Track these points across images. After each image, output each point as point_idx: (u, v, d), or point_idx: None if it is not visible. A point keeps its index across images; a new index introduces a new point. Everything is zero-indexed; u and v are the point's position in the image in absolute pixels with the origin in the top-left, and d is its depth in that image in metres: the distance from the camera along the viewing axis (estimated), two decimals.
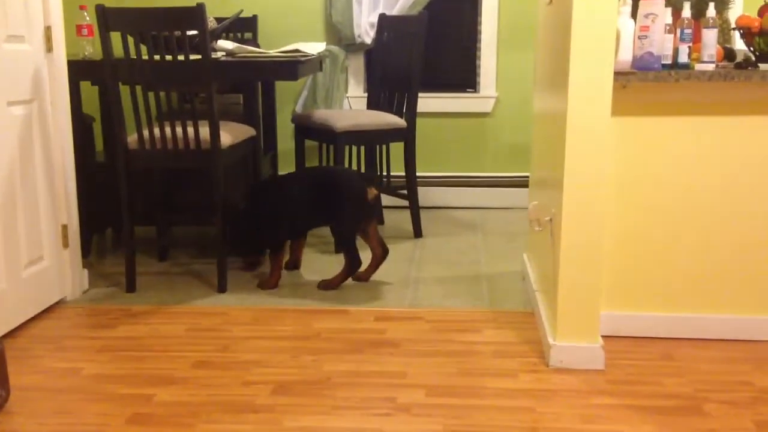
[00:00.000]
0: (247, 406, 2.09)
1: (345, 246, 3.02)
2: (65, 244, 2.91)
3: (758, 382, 2.22)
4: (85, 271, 3.04)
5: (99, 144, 3.85)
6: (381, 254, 3.10)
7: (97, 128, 3.79)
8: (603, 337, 2.36)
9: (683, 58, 2.37)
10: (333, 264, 3.33)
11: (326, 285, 3.02)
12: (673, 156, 2.42)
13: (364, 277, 3.10)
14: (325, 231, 3.85)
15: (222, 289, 3.00)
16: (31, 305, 2.71)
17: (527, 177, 3.35)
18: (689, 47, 2.37)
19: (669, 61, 2.39)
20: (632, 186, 2.44)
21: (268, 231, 3.04)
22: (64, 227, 2.90)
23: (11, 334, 2.59)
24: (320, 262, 3.36)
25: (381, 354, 2.42)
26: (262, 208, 3.04)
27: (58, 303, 2.87)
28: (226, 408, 2.07)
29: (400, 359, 2.38)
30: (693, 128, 2.40)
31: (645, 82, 2.30)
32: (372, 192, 3.00)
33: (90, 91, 3.75)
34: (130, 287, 3.01)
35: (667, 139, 2.41)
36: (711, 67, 2.35)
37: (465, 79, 4.41)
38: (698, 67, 2.36)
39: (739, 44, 2.70)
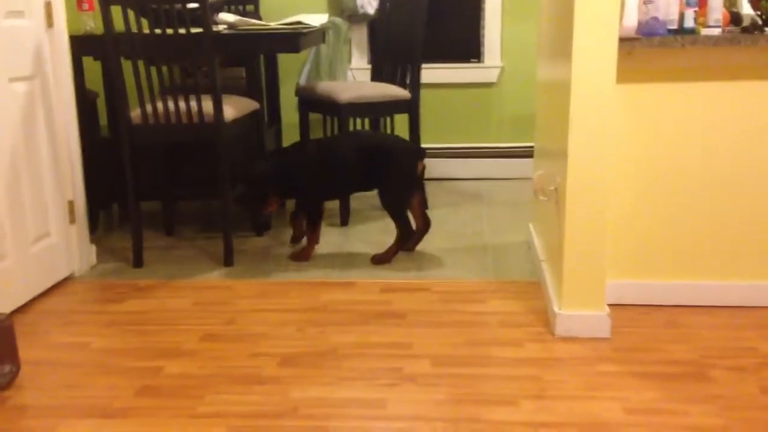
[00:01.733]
0: (254, 377, 2.10)
1: (396, 216, 3.02)
2: (72, 220, 2.92)
3: (763, 348, 2.22)
4: (93, 247, 3.06)
5: (103, 119, 3.85)
6: (424, 226, 3.13)
7: (101, 104, 3.78)
8: (609, 305, 2.37)
9: (689, 22, 2.33)
10: (340, 236, 3.34)
11: (380, 259, 3.02)
12: (680, 122, 2.40)
13: (411, 248, 3.13)
14: (332, 204, 3.86)
15: (228, 262, 3.01)
16: (40, 281, 2.73)
17: (532, 147, 3.33)
18: (695, 12, 2.33)
19: (675, 26, 2.35)
20: (638, 154, 2.43)
21: (310, 190, 3.03)
22: (71, 203, 2.91)
23: (20, 309, 2.61)
24: (327, 234, 3.36)
25: (387, 325, 2.43)
26: (311, 167, 3.02)
27: (66, 278, 2.89)
28: (233, 380, 2.09)
29: (405, 330, 2.39)
30: (699, 94, 2.37)
31: (650, 48, 2.28)
32: (421, 165, 3.04)
33: (93, 66, 3.73)
34: (137, 262, 3.03)
35: (673, 105, 2.39)
36: (717, 31, 2.32)
37: (469, 49, 4.37)
38: (704, 31, 2.33)
39: (746, 8, 2.66)
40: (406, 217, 3.03)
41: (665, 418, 1.87)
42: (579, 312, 2.30)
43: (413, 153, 3.05)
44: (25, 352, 2.28)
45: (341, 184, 3.09)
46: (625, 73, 2.35)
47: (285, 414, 1.91)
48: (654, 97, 2.38)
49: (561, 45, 2.37)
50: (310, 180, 3.02)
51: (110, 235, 3.46)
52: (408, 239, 3.06)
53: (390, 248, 3.04)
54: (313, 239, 3.09)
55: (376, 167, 2.99)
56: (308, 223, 3.08)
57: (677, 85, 2.37)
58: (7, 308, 2.53)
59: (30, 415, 1.93)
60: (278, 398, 1.99)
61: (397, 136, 3.24)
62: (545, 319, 2.44)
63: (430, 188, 4.11)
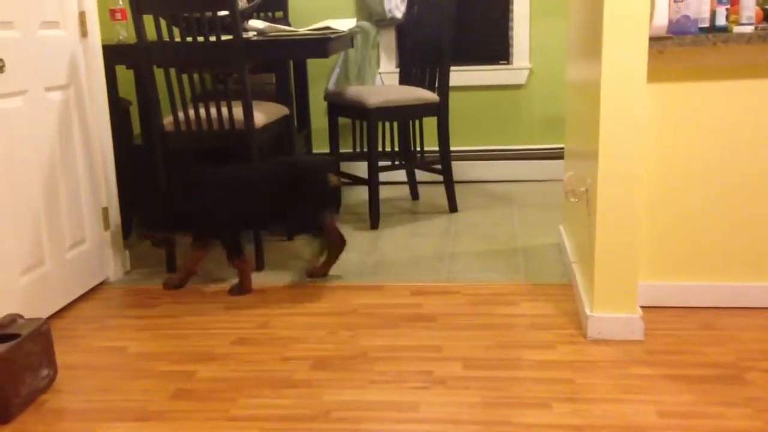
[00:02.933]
0: (286, 381, 2.12)
1: (319, 230, 2.88)
2: (106, 226, 2.97)
3: None
4: (126, 252, 3.10)
5: (137, 127, 3.90)
6: (340, 243, 2.91)
7: (134, 112, 3.84)
8: (642, 307, 2.34)
9: (721, 20, 2.30)
10: (370, 240, 3.35)
11: (313, 273, 2.91)
12: (712, 122, 2.37)
13: (322, 272, 2.92)
14: (362, 208, 3.87)
15: (259, 267, 3.04)
16: (76, 286, 2.78)
17: (562, 149, 3.31)
18: (727, 9, 2.30)
19: (706, 25, 2.33)
20: (669, 154, 2.40)
21: (223, 222, 2.83)
22: (105, 210, 2.96)
23: (57, 315, 2.66)
24: (356, 237, 3.38)
25: (417, 328, 2.43)
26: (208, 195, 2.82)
27: (101, 284, 2.94)
28: (266, 383, 2.11)
29: (436, 333, 2.39)
30: (732, 93, 2.34)
31: (682, 46, 2.25)
32: (334, 178, 2.82)
33: (126, 75, 3.80)
34: (171, 267, 3.07)
35: (705, 105, 2.36)
36: (750, 29, 2.28)
37: (497, 51, 4.36)
38: (736, 29, 2.29)
39: None
40: (326, 227, 2.85)
41: (701, 421, 1.84)
42: (611, 314, 2.28)
43: (322, 167, 2.83)
44: (62, 356, 2.33)
45: (244, 212, 2.85)
46: (656, 73, 2.32)
47: (317, 417, 1.92)
48: (686, 97, 2.35)
49: (590, 45, 2.35)
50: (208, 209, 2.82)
51: (143, 241, 3.50)
52: (340, 246, 2.89)
53: (325, 262, 2.91)
54: (244, 268, 2.84)
55: (287, 189, 2.79)
56: (234, 257, 2.82)
57: (709, 84, 2.34)
58: (45, 313, 2.58)
59: (67, 419, 1.97)
60: (310, 401, 2.00)
61: (307, 154, 3.02)
62: (577, 321, 2.42)
63: (459, 190, 4.10)
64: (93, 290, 2.88)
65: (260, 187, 2.81)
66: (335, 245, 2.91)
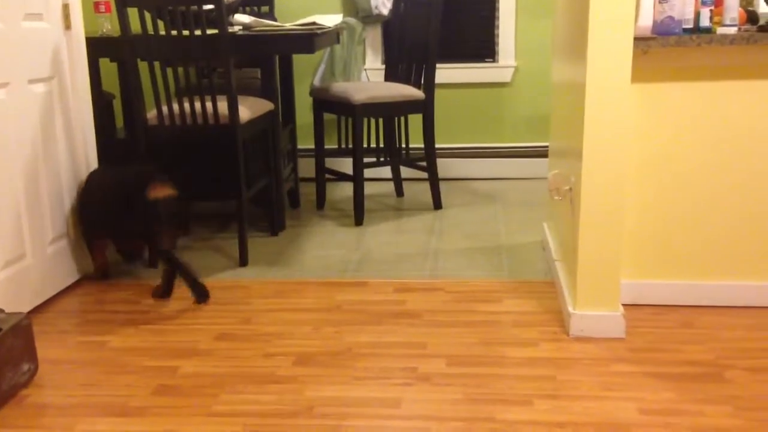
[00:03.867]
0: (269, 377, 2.11)
1: (160, 256, 2.69)
2: None
3: None
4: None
5: (119, 121, 3.88)
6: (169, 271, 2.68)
7: (117, 105, 3.82)
8: (624, 305, 2.36)
9: (705, 21, 2.32)
10: (355, 236, 3.35)
11: (156, 293, 2.73)
12: (696, 122, 2.39)
13: (165, 293, 2.71)
14: (346, 204, 3.87)
15: (243, 262, 3.03)
16: (57, 281, 2.76)
17: (547, 147, 3.33)
18: (711, 11, 2.32)
19: (690, 26, 2.34)
20: (653, 154, 2.42)
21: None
22: None
23: (38, 309, 2.64)
24: (341, 233, 3.38)
25: (401, 325, 2.43)
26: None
27: (82, 278, 2.92)
28: (249, 379, 2.10)
29: (420, 330, 2.39)
30: (716, 93, 2.36)
31: (666, 47, 2.27)
32: (158, 191, 2.59)
33: (109, 68, 3.77)
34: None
35: (689, 105, 2.38)
36: (733, 30, 2.31)
37: (483, 49, 4.37)
38: (720, 30, 2.32)
39: (762, 7, 2.64)
40: (166, 246, 2.65)
41: (681, 418, 1.86)
42: (593, 312, 2.30)
43: (143, 180, 2.61)
44: (43, 351, 2.31)
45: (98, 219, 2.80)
46: (641, 73, 2.34)
47: (300, 413, 1.92)
48: (670, 97, 2.37)
49: (576, 44, 2.36)
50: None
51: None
52: (175, 272, 2.67)
53: (162, 284, 2.71)
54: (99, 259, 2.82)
55: (115, 205, 2.71)
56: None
57: (693, 84, 2.36)
58: (25, 307, 2.56)
59: (48, 414, 1.95)
60: (294, 397, 2.00)
61: (140, 165, 2.79)
62: (560, 319, 2.44)
63: (444, 188, 4.11)
64: (74, 285, 2.86)
65: (104, 194, 2.75)
66: (167, 270, 2.68)
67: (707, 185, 2.43)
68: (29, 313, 2.57)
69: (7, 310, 2.31)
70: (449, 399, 1.97)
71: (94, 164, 2.96)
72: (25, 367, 2.09)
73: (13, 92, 2.51)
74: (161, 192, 2.62)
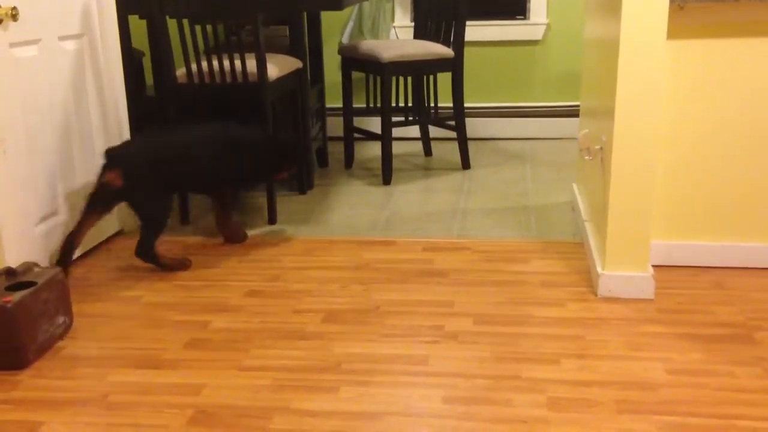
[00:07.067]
0: (297, 333, 2.14)
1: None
2: None
3: None
4: None
5: (149, 78, 3.89)
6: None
7: (147, 63, 3.82)
8: (653, 266, 2.34)
9: None
10: (383, 195, 3.35)
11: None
12: (732, 80, 2.33)
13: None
14: (374, 163, 3.87)
15: (272, 220, 3.05)
16: (90, 237, 2.80)
17: (578, 106, 3.28)
18: None
19: None
20: (687, 112, 2.37)
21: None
22: None
23: (72, 264, 2.68)
24: (369, 193, 3.38)
25: (429, 283, 2.44)
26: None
27: (116, 234, 2.96)
28: (277, 335, 2.13)
29: (447, 288, 2.40)
30: (753, 50, 2.30)
31: (703, 2, 2.20)
32: (108, 175, 2.49)
33: (140, 25, 3.77)
34: (185, 218, 3.09)
35: (726, 62, 2.32)
36: None
37: (514, 6, 4.29)
38: None
39: None
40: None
41: (710, 379, 1.85)
42: (622, 273, 2.28)
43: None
44: (77, 304, 2.36)
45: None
46: (677, 29, 2.28)
47: (328, 369, 1.95)
48: (707, 54, 2.32)
49: (609, 0, 2.31)
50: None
51: None
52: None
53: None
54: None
55: None
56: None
57: (732, 40, 2.30)
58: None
59: (82, 365, 2.00)
60: (322, 353, 2.03)
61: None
62: (588, 279, 2.43)
63: (473, 147, 4.08)
64: (108, 240, 2.91)
65: None
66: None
67: (742, 145, 2.38)
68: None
69: (42, 265, 2.36)
70: (476, 357, 1.98)
71: (125, 122, 2.98)
72: (60, 319, 2.14)
73: (45, 49, 2.53)
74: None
